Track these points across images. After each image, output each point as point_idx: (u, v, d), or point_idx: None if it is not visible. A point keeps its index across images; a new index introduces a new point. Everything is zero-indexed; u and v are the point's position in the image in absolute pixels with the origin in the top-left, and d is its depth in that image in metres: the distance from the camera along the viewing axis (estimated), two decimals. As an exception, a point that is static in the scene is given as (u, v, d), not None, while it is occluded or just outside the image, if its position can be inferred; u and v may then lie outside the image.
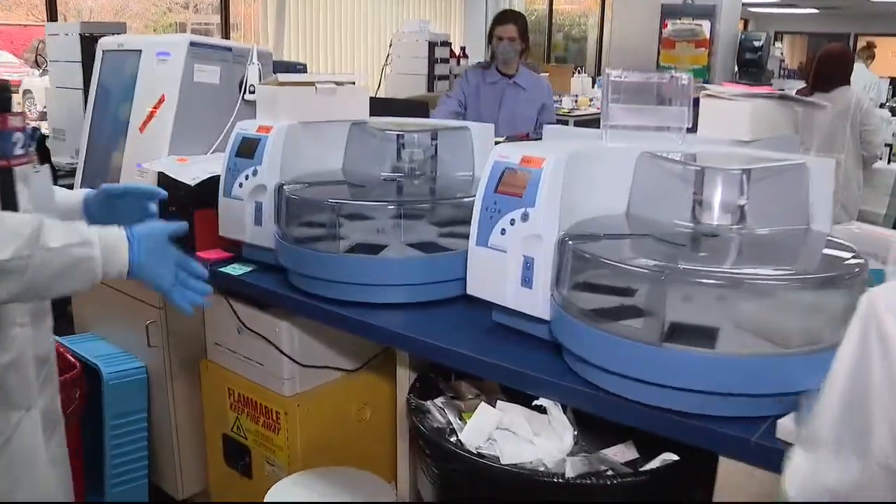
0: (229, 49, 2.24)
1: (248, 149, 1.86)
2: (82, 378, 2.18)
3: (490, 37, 3.82)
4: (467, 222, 1.60)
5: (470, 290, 1.49)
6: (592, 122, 7.86)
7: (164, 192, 1.51)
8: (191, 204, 2.02)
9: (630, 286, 1.34)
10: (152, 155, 2.17)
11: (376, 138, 1.98)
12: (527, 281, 1.39)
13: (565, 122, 7.50)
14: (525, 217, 1.38)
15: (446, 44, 6.58)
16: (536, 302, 1.39)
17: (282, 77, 1.86)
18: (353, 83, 2.06)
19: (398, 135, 1.97)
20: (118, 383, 2.23)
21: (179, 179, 1.97)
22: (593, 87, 9.67)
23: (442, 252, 1.66)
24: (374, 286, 1.63)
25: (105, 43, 2.41)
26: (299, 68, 4.74)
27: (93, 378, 2.24)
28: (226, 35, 6.53)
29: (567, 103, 8.36)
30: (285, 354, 1.94)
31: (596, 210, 1.49)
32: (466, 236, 1.62)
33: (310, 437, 2.03)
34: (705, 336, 1.24)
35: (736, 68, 5.73)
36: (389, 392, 1.80)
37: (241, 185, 1.85)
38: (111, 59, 2.40)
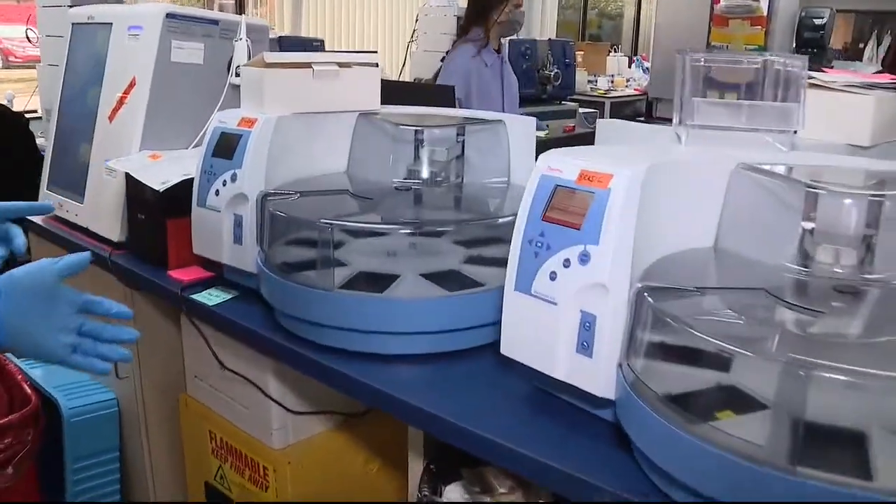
0: (215, 22, 1.85)
1: (226, 147, 1.48)
2: (38, 415, 1.83)
3: (492, 5, 3.29)
4: (501, 242, 1.22)
5: (505, 350, 1.10)
6: (628, 104, 7.43)
7: (49, 207, 1.13)
8: (162, 211, 1.65)
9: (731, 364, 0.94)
10: (122, 149, 1.80)
11: (388, 134, 1.59)
12: (585, 347, 1.00)
13: (601, 105, 7.06)
14: (585, 258, 0.99)
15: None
16: (598, 376, 1.00)
17: (269, 56, 1.47)
18: (366, 64, 1.67)
19: (416, 130, 1.58)
20: (81, 420, 1.88)
21: (146, 183, 1.60)
22: (630, 66, 9.22)
23: (468, 290, 1.27)
24: (379, 334, 1.25)
25: (74, 14, 2.03)
26: (316, 45, 4.36)
27: (54, 412, 1.89)
28: (240, 10, 6.12)
29: (603, 84, 7.93)
30: (274, 400, 1.57)
31: (677, 242, 1.10)
32: (498, 262, 1.24)
33: (305, 495, 1.67)
34: (850, 445, 0.84)
35: (794, 48, 5.26)
36: (402, 440, 1.42)
37: (217, 192, 1.47)
38: (81, 33, 2.02)
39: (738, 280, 1.04)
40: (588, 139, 1.94)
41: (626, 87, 8.07)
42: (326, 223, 1.23)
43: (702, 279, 1.05)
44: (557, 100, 5.55)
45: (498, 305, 1.22)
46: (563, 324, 1.02)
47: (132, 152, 1.78)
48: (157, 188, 1.58)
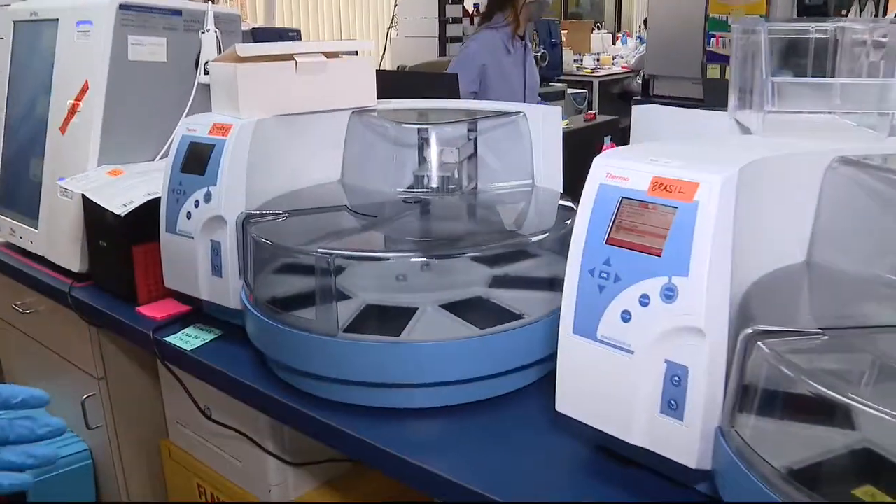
0: (178, 12, 1.60)
1: (196, 160, 1.23)
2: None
3: None
4: (531, 256, 1.00)
5: (561, 407, 0.87)
6: (616, 82, 7.20)
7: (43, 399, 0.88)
8: (126, 237, 1.40)
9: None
10: (77, 165, 1.55)
11: (388, 135, 1.35)
12: (673, 407, 0.77)
13: (589, 84, 6.84)
14: (669, 293, 0.76)
15: (458, 1, 5.86)
16: (691, 443, 0.77)
17: (242, 48, 1.22)
18: (357, 52, 1.43)
19: (420, 129, 1.35)
20: (48, 480, 1.64)
21: (104, 207, 1.35)
22: (614, 43, 8.99)
23: (503, 326, 1.03)
24: (395, 388, 1.01)
25: (14, 11, 1.77)
26: (292, 35, 4.08)
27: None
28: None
29: (589, 62, 7.72)
30: (271, 454, 1.34)
31: (769, 261, 0.87)
32: (532, 283, 1.02)
33: (311, 556, 1.44)
34: None
35: (795, 15, 5.03)
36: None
37: (189, 214, 1.23)
38: (24, 32, 1.76)
39: (864, 312, 0.81)
40: (615, 128, 1.72)
41: (613, 64, 7.84)
42: (325, 253, 0.99)
43: (819, 312, 0.83)
44: (545, 81, 5.35)
45: (542, 339, 1.00)
46: (643, 378, 0.79)
47: (89, 168, 1.53)
48: (117, 212, 1.33)
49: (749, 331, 0.72)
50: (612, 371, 0.81)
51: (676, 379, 0.77)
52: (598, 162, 0.85)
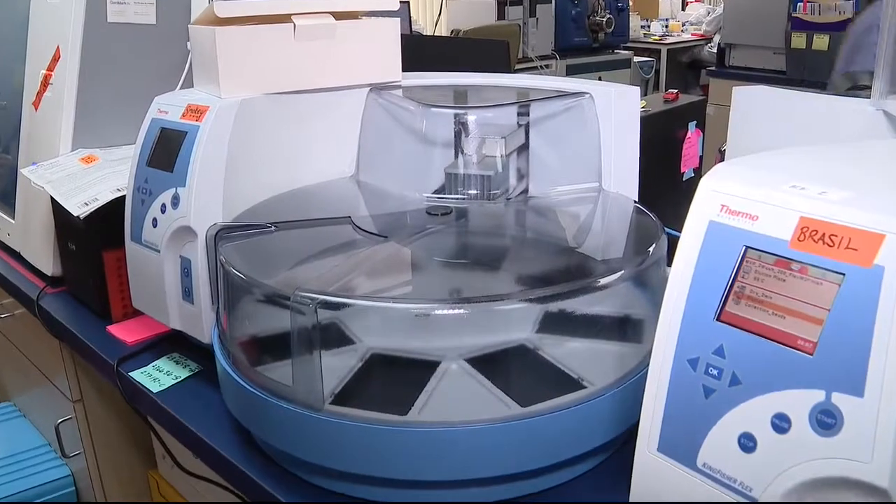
0: (170, -36, 1.32)
1: (165, 151, 0.96)
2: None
3: None
4: (596, 289, 0.72)
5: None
6: (685, 50, 6.76)
7: None
8: (94, 240, 1.15)
9: None
10: (49, 147, 1.30)
11: (414, 120, 1.06)
12: None
13: (656, 52, 6.42)
14: (827, 419, 0.46)
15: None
16: None
17: (222, 7, 0.93)
18: (379, 13, 1.13)
19: (456, 112, 1.05)
20: (22, 512, 1.41)
21: (63, 205, 1.09)
22: (684, 9, 8.49)
23: (552, 403, 0.73)
24: (400, 486, 0.73)
25: (-8, -35, 1.52)
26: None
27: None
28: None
29: (656, 29, 7.25)
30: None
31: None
32: (594, 326, 0.74)
33: None
34: None
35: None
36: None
37: (154, 222, 0.96)
38: (1, -8, 1.51)
39: None
40: (701, 112, 1.39)
41: (682, 31, 7.37)
42: (307, 297, 0.70)
43: None
44: (610, 48, 5.02)
45: (609, 420, 0.71)
46: (773, 542, 0.49)
47: (61, 152, 1.28)
48: (75, 212, 1.07)
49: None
50: (719, 519, 0.51)
51: (832, 553, 0.47)
52: (707, 184, 0.55)
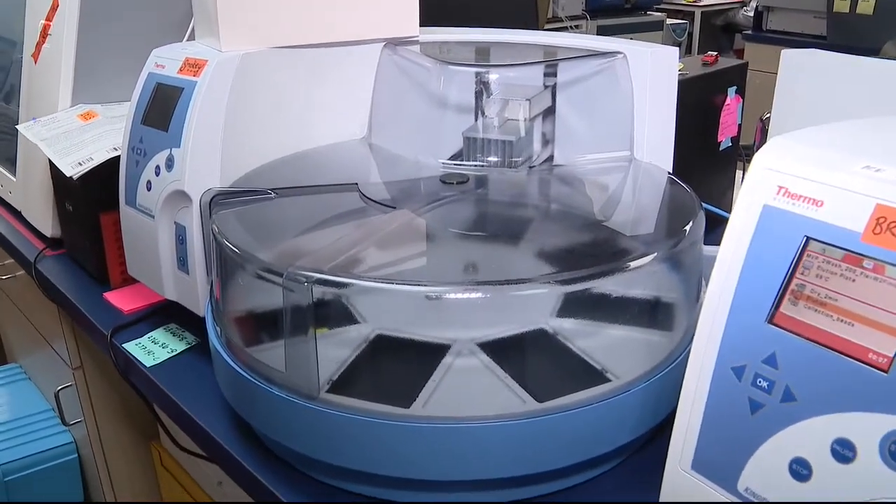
0: None
1: (161, 109, 0.89)
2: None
3: None
4: (629, 272, 0.65)
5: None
6: (720, 13, 6.55)
7: None
8: (91, 202, 1.09)
9: None
10: (49, 103, 1.23)
11: (432, 79, 0.97)
12: None
13: (690, 15, 6.23)
14: (905, 451, 0.38)
15: None
16: None
17: (222, -46, 0.85)
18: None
19: (477, 71, 0.96)
20: (21, 477, 1.37)
21: (56, 164, 1.03)
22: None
23: (573, 398, 0.66)
24: (404, 485, 0.66)
25: None
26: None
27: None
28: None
29: (693, -11, 7.04)
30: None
31: None
32: (620, 310, 0.68)
33: None
34: None
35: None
36: None
37: (149, 185, 0.89)
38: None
39: None
40: (741, 77, 1.29)
41: (719, -8, 7.15)
42: (302, 274, 0.63)
43: None
44: (642, 10, 4.89)
45: (635, 416, 0.64)
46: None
47: (60, 107, 1.21)
48: (68, 172, 1.00)
49: None
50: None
51: None
52: (761, 162, 0.47)
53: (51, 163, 1.15)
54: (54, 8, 1.20)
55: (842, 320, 0.41)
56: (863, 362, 0.40)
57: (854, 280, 0.41)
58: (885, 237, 0.40)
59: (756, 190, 0.46)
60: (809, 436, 0.41)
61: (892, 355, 0.39)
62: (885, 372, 0.39)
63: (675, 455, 0.48)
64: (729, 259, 0.46)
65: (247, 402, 0.73)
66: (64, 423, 1.35)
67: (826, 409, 0.41)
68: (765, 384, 0.43)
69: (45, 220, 1.26)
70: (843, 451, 0.40)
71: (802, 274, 0.43)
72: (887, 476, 0.38)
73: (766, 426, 0.43)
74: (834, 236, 0.42)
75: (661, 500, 0.49)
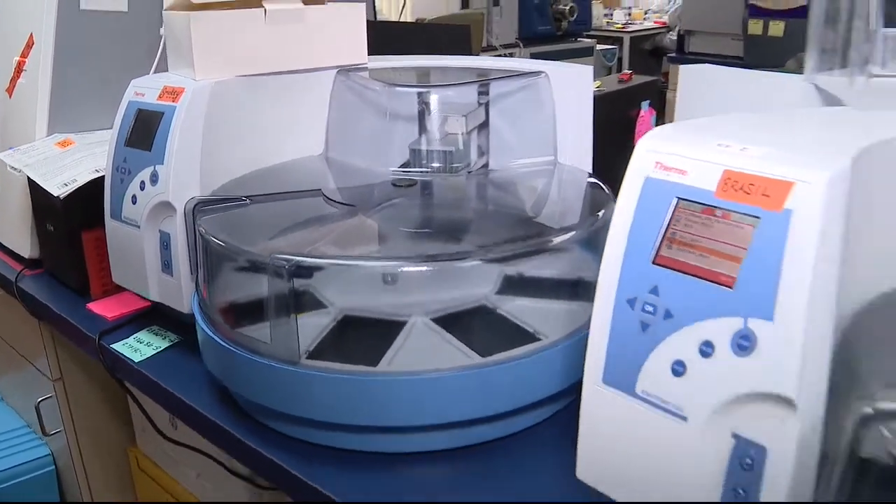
0: (140, -48, 1.36)
1: (143, 131, 1.01)
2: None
3: None
4: (553, 252, 0.78)
5: (582, 474, 0.65)
6: (647, 38, 6.85)
7: None
8: (72, 221, 1.19)
9: None
10: (25, 133, 1.33)
11: (380, 100, 1.11)
12: (741, 496, 0.54)
13: (619, 40, 6.51)
14: (744, 342, 0.52)
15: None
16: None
17: (196, -7, 0.99)
18: None
19: (419, 92, 1.11)
20: (4, 489, 1.45)
21: (42, 186, 1.14)
22: (646, -5, 8.59)
23: (512, 351, 0.80)
24: (374, 432, 0.79)
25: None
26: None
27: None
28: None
29: (619, 17, 7.34)
30: (241, 477, 1.13)
31: (874, 281, 0.63)
32: (549, 287, 0.81)
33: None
34: None
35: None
36: None
37: (134, 199, 1.01)
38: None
39: None
40: (654, 92, 1.46)
41: (645, 19, 7.48)
42: (283, 259, 0.76)
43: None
44: (573, 37, 5.09)
45: (563, 369, 0.77)
46: (698, 454, 0.56)
47: (37, 137, 1.31)
48: (55, 193, 1.11)
49: (868, 410, 0.49)
50: (654, 439, 0.58)
51: (748, 462, 0.54)
52: (643, 145, 0.61)
53: (31, 187, 1.26)
54: (29, 45, 1.31)
55: (702, 255, 0.56)
56: (716, 283, 0.54)
57: (710, 226, 0.56)
58: (731, 192, 0.55)
59: (639, 166, 0.60)
60: (683, 342, 0.55)
61: (734, 275, 0.53)
62: (731, 288, 0.53)
63: (589, 374, 0.62)
64: (621, 220, 0.60)
65: (237, 375, 0.85)
66: (44, 433, 1.43)
67: (694, 319, 0.55)
68: (651, 308, 0.57)
69: (24, 242, 1.35)
70: (706, 349, 0.54)
71: (674, 225, 0.57)
72: (736, 361, 0.53)
73: (653, 339, 0.57)
74: (695, 195, 0.57)
75: (582, 411, 0.63)
